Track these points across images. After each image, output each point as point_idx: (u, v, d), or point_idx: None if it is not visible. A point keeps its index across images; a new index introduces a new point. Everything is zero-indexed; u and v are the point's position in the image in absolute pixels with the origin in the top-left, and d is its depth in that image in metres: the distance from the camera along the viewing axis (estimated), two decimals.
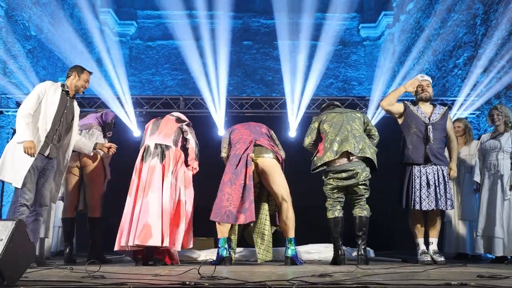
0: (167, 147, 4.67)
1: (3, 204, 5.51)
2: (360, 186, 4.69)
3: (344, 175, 4.69)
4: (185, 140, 4.87)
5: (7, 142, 5.57)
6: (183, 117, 5.07)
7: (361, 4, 13.63)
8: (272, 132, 5.08)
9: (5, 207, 5.97)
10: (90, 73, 4.65)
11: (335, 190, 4.78)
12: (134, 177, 4.59)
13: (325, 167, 4.78)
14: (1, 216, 5.39)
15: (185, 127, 4.85)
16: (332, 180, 4.75)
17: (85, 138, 4.94)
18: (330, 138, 4.78)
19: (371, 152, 4.72)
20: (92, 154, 4.88)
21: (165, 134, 4.76)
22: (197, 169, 4.88)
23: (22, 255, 2.66)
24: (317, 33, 11.99)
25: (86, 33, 11.24)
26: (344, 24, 13.36)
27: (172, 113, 5.15)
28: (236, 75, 13.31)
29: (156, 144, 4.67)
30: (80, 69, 4.57)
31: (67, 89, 4.48)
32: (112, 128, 5.35)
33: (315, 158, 4.86)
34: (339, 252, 4.68)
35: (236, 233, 4.89)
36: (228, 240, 4.71)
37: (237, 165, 4.51)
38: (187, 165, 4.80)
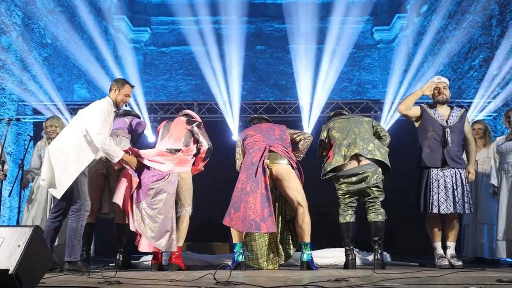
0: (178, 151, 4.68)
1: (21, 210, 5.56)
2: (373, 188, 4.67)
3: (354, 179, 4.67)
4: (197, 141, 4.81)
5: (24, 148, 5.64)
6: (194, 116, 5.04)
7: (375, 7, 13.58)
8: (287, 130, 4.99)
9: (12, 212, 6.07)
10: (132, 86, 4.55)
11: (347, 195, 4.76)
12: None
13: (335, 173, 4.77)
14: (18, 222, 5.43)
15: (195, 129, 4.79)
16: (343, 185, 4.73)
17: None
18: (338, 143, 4.79)
19: (381, 153, 4.68)
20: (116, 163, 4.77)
21: (175, 137, 4.74)
22: (201, 169, 4.86)
23: (40, 261, 2.68)
24: (331, 37, 11.97)
25: (101, 40, 11.35)
26: (357, 27, 13.31)
27: (184, 112, 5.11)
28: (249, 79, 13.33)
29: (166, 149, 4.68)
30: (121, 83, 4.48)
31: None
32: (140, 136, 5.34)
33: (325, 164, 4.86)
34: (350, 257, 4.68)
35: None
36: (244, 245, 4.70)
37: (256, 174, 4.49)
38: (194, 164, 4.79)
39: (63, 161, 4.15)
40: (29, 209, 5.26)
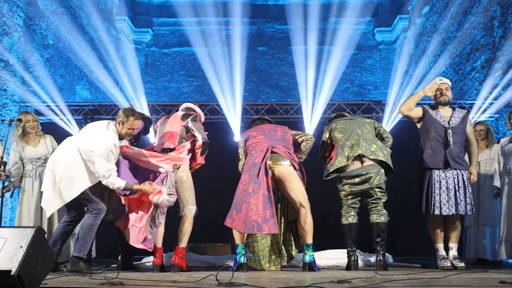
0: (172, 150, 4.65)
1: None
2: (375, 189, 4.66)
3: (357, 180, 4.66)
4: (194, 137, 4.74)
5: None
6: (194, 109, 4.99)
7: (376, 8, 13.57)
8: (289, 131, 4.97)
9: (14, 213, 6.10)
10: (137, 118, 4.40)
11: (350, 196, 4.76)
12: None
13: (338, 174, 4.76)
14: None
15: (190, 125, 4.72)
16: (346, 186, 4.72)
17: None
18: (341, 144, 4.78)
19: (384, 154, 4.68)
20: None
21: (170, 136, 4.72)
22: (202, 163, 4.80)
23: (42, 262, 2.68)
24: (332, 38, 11.98)
25: (103, 41, 11.37)
26: (359, 29, 13.30)
27: (183, 105, 5.08)
28: (251, 80, 13.33)
29: (162, 149, 4.68)
30: (125, 116, 4.33)
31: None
32: (138, 138, 5.32)
33: (328, 165, 4.85)
34: (352, 258, 4.67)
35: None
36: (246, 246, 4.70)
37: (258, 175, 4.48)
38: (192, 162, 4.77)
39: (58, 183, 4.19)
40: (22, 211, 5.22)
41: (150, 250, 4.49)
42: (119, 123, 4.35)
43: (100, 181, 4.88)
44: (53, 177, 4.22)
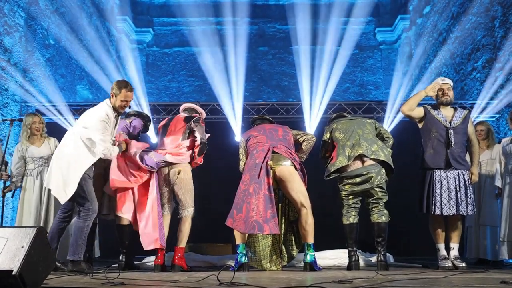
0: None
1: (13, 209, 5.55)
2: (376, 189, 4.66)
3: (358, 180, 4.66)
4: (195, 136, 4.75)
5: None
6: (196, 109, 5.02)
7: (377, 8, 13.57)
8: (290, 131, 4.97)
9: (15, 212, 6.10)
10: (130, 90, 4.39)
11: (351, 196, 4.76)
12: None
13: (339, 174, 4.76)
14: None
15: (192, 125, 4.75)
16: (347, 185, 4.72)
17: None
18: (341, 144, 4.79)
19: (385, 154, 4.69)
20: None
21: (172, 138, 4.74)
22: (200, 163, 4.82)
23: (43, 262, 2.68)
24: (333, 38, 11.97)
25: (104, 41, 11.37)
26: (360, 28, 13.30)
27: (185, 106, 5.10)
28: (252, 80, 13.34)
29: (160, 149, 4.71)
30: (117, 88, 4.35)
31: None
32: (138, 137, 5.32)
33: (329, 165, 4.85)
34: (353, 258, 4.67)
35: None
36: (247, 246, 4.70)
37: (259, 175, 4.48)
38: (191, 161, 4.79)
39: (67, 167, 4.19)
40: (23, 210, 5.24)
41: (163, 247, 4.51)
42: (112, 96, 4.40)
43: (101, 180, 4.90)
44: (59, 167, 4.22)
